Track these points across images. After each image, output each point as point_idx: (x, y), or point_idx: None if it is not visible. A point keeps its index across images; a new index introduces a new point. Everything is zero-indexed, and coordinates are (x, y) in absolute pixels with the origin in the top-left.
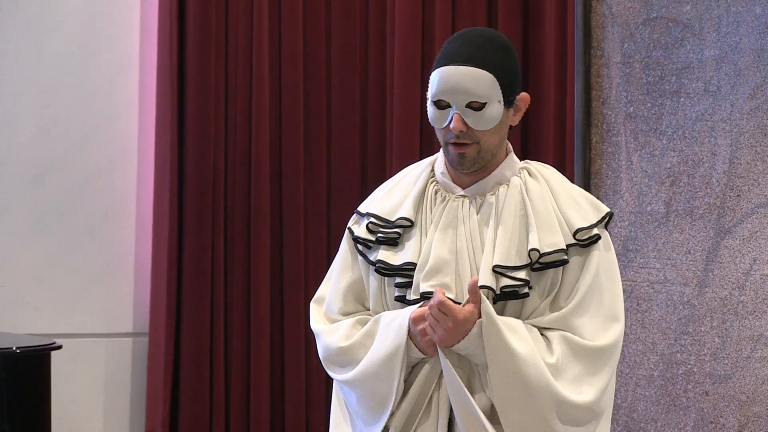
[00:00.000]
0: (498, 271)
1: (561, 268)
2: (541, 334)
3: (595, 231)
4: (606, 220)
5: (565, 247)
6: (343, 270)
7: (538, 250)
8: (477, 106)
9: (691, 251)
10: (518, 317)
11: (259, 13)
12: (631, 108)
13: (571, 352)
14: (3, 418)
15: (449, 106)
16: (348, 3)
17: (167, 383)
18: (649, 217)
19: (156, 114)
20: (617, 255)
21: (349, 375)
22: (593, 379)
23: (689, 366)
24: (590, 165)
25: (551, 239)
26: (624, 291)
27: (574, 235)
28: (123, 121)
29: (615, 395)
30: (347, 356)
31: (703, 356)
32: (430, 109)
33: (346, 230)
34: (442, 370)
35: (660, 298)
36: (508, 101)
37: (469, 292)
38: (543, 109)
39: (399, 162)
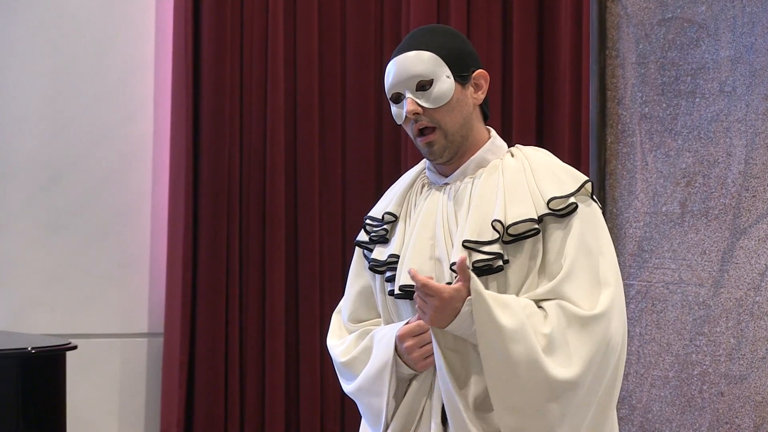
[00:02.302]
0: (468, 246)
1: (540, 239)
2: (539, 307)
3: (572, 200)
4: (589, 188)
5: (535, 217)
6: (353, 277)
7: (501, 222)
8: (425, 85)
9: (707, 252)
10: (505, 293)
11: (274, 14)
12: (646, 108)
13: (566, 321)
14: (18, 418)
15: (404, 97)
16: (363, 3)
17: (182, 384)
18: (664, 217)
19: (171, 114)
20: (632, 256)
21: (351, 387)
22: (581, 351)
23: (704, 367)
24: (605, 165)
25: (519, 210)
26: (639, 291)
27: (548, 205)
28: (138, 121)
29: (630, 396)
30: (350, 370)
31: (719, 357)
32: (392, 108)
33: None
34: (432, 386)
35: (675, 299)
36: (461, 77)
37: (457, 271)
38: (558, 109)
39: (414, 163)
